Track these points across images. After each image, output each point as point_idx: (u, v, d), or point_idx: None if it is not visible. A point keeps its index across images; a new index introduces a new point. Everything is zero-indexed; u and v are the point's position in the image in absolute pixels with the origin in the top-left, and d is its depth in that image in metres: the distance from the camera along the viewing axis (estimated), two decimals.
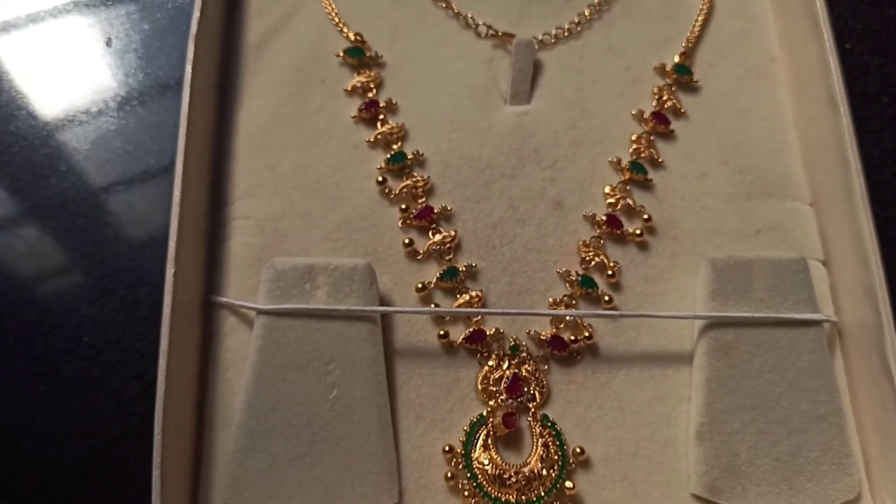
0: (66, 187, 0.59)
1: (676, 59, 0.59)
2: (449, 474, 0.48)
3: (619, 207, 0.54)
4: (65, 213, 0.58)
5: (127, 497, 0.49)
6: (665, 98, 0.57)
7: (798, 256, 0.51)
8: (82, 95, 0.63)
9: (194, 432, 0.49)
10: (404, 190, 0.54)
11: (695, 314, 0.50)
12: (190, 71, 0.53)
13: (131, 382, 0.53)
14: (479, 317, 0.51)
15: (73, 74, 0.64)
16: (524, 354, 0.50)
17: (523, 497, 0.47)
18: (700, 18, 0.60)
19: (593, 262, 0.53)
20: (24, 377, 0.53)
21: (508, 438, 0.49)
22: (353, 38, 0.58)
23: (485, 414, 0.49)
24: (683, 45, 0.59)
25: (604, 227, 0.53)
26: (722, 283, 0.50)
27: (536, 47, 0.59)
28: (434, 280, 0.52)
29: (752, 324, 0.49)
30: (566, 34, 0.60)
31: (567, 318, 0.51)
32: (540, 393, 0.50)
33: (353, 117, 0.57)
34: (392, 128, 0.56)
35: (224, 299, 0.51)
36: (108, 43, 0.63)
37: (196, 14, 0.54)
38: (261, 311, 0.49)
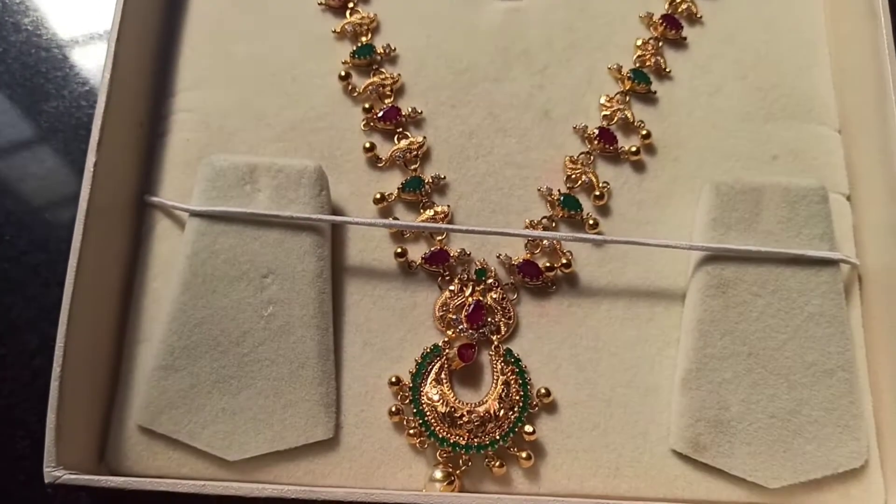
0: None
1: None
2: (393, 409, 0.42)
3: (614, 121, 0.47)
4: None
5: (39, 412, 0.44)
6: (679, 0, 0.50)
7: (817, 184, 0.44)
8: None
9: (114, 345, 0.44)
10: (370, 88, 0.48)
11: (690, 244, 0.43)
12: None
13: (53, 287, 0.48)
14: (444, 235, 0.45)
15: None
16: (491, 280, 0.44)
17: (475, 440, 0.41)
18: None
19: (580, 182, 0.46)
20: None
21: (465, 373, 0.43)
22: None
23: (440, 344, 0.43)
24: None
25: (595, 143, 0.47)
26: (725, 210, 0.43)
27: None
28: (395, 191, 0.46)
29: (757, 259, 0.43)
30: None
31: (543, 241, 0.45)
32: (505, 325, 0.44)
33: (319, 4, 0.50)
34: (362, 18, 0.49)
35: (156, 199, 0.45)
36: None
37: None
38: (193, 213, 0.43)
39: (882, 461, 0.42)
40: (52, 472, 0.37)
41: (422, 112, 0.47)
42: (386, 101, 0.47)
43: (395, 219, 0.45)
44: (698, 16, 0.50)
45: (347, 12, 0.50)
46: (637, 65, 0.49)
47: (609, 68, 0.49)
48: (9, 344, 0.47)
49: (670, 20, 0.49)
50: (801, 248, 0.43)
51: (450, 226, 0.44)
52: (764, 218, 0.43)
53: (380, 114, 0.47)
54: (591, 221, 0.45)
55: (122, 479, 0.38)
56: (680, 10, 0.50)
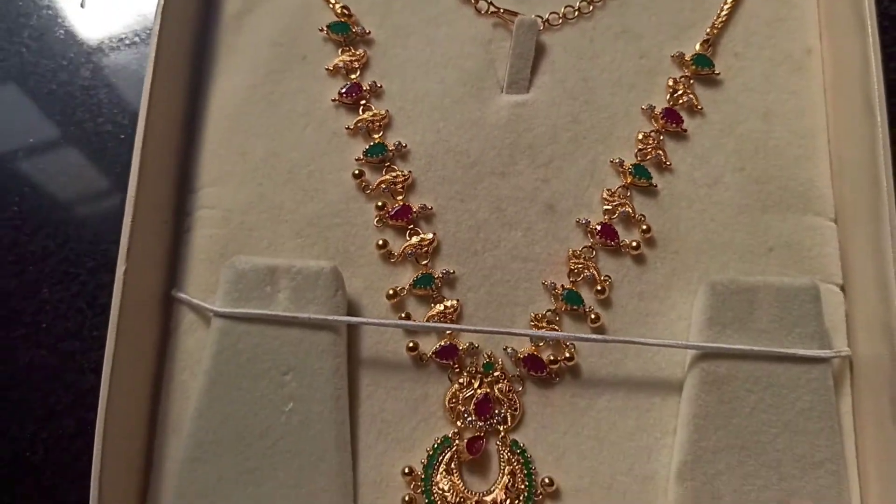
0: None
1: (698, 47, 0.56)
2: (407, 498, 0.47)
3: (616, 216, 0.52)
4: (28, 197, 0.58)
5: (80, 493, 0.49)
6: (681, 92, 0.55)
7: (809, 283, 0.48)
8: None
9: (147, 435, 0.49)
10: (382, 185, 0.53)
11: (686, 343, 0.48)
12: (156, 44, 0.51)
13: (89, 374, 0.54)
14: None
15: None
16: (498, 373, 0.49)
17: None
18: (729, 0, 0.57)
19: (582, 276, 0.51)
20: None
21: (474, 462, 0.48)
22: (339, 10, 0.57)
23: (450, 436, 0.48)
24: (707, 31, 0.56)
25: (597, 237, 0.51)
26: (720, 309, 0.48)
27: (541, 27, 0.56)
28: (407, 287, 0.51)
29: (751, 356, 0.47)
30: (576, 14, 0.57)
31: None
32: (512, 416, 0.49)
33: (333, 101, 0.55)
34: (374, 115, 0.54)
35: (183, 296, 0.51)
36: (83, 4, 0.63)
37: None
38: (217, 314, 0.49)
39: None
40: None
41: (432, 208, 0.52)
42: (398, 197, 0.52)
43: (407, 314, 0.51)
44: (699, 107, 0.55)
45: (360, 109, 0.55)
46: (638, 159, 0.53)
47: (611, 162, 0.53)
48: (50, 428, 0.53)
49: (671, 114, 0.54)
50: (792, 347, 0.47)
51: (457, 326, 0.49)
52: (757, 317, 0.48)
53: (392, 211, 0.52)
54: (592, 316, 0.50)
55: None
56: (681, 101, 0.54)
